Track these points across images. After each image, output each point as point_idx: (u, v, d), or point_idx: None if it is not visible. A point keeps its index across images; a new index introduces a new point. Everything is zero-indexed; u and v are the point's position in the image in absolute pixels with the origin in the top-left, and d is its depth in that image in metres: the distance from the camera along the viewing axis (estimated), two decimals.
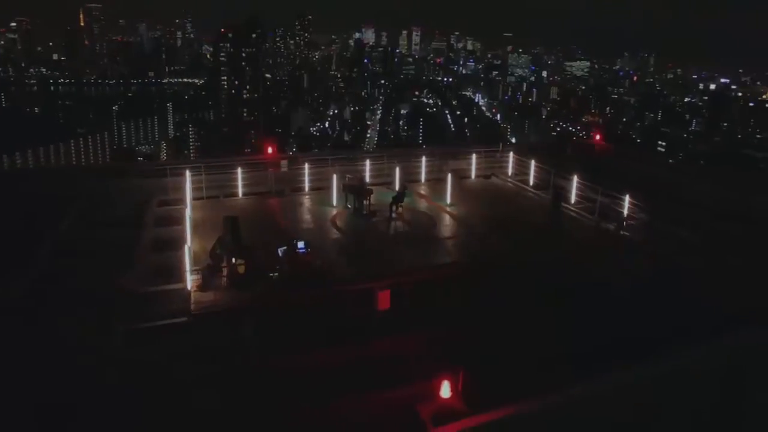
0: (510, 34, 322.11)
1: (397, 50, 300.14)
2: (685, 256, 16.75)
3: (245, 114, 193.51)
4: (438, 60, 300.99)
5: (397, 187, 21.68)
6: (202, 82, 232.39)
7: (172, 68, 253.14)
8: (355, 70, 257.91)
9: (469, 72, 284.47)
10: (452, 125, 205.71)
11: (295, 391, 10.05)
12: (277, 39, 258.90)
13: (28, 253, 15.23)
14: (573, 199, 22.32)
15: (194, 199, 20.65)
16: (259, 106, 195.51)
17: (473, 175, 26.22)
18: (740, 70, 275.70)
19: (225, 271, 14.37)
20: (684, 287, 14.66)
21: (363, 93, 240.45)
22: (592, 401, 10.70)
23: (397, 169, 22.97)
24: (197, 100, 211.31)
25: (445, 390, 9.44)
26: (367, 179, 22.08)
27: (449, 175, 23.05)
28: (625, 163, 28.85)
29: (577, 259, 16.58)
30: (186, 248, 14.19)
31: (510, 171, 26.70)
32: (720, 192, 22.31)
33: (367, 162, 23.39)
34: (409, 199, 21.55)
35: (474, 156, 26.54)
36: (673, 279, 15.21)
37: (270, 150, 25.50)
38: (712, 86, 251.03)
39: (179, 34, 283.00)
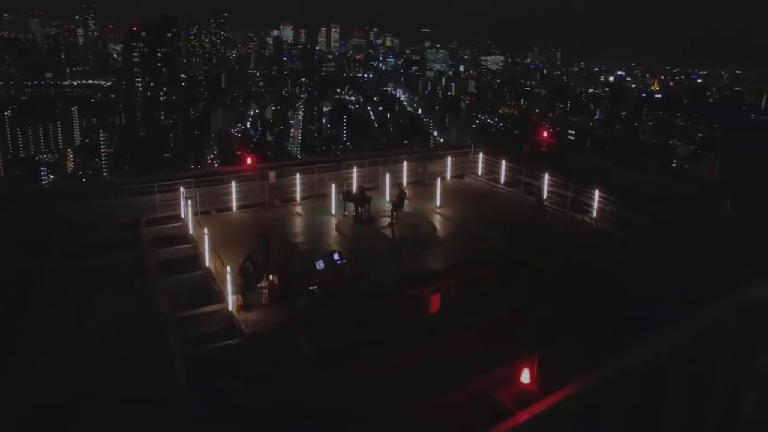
0: (428, 30, 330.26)
1: (317, 48, 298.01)
2: (648, 240, 18.58)
3: (163, 117, 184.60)
4: (358, 57, 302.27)
5: (386, 193, 22.50)
6: (110, 84, 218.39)
7: (74, 69, 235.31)
8: (275, 68, 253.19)
9: (389, 68, 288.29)
10: (375, 122, 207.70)
11: (383, 394, 10.36)
12: (192, 37, 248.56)
13: (34, 293, 14.10)
14: (545, 194, 24.00)
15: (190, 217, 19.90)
16: (179, 108, 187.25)
17: (448, 176, 27.12)
18: (633, 64, 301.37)
19: (263, 289, 13.96)
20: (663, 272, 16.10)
21: (284, 92, 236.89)
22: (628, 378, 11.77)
23: (388, 176, 23.62)
24: (106, 103, 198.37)
25: (525, 376, 10.52)
26: (354, 186, 22.30)
27: (438, 179, 23.99)
28: (572, 156, 31.20)
29: (576, 252, 17.75)
30: (225, 268, 13.77)
31: (480, 171, 27.95)
32: (652, 180, 24.75)
33: (354, 169, 23.57)
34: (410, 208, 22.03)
35: (449, 158, 27.43)
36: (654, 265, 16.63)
37: (249, 161, 24.98)
38: (611, 78, 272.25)
39: (81, 31, 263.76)
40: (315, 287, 13.96)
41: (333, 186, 21.77)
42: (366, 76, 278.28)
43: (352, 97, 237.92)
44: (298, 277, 14.15)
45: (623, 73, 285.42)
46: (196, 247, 17.73)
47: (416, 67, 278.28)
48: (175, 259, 16.95)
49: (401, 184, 23.20)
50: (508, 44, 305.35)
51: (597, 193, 21.39)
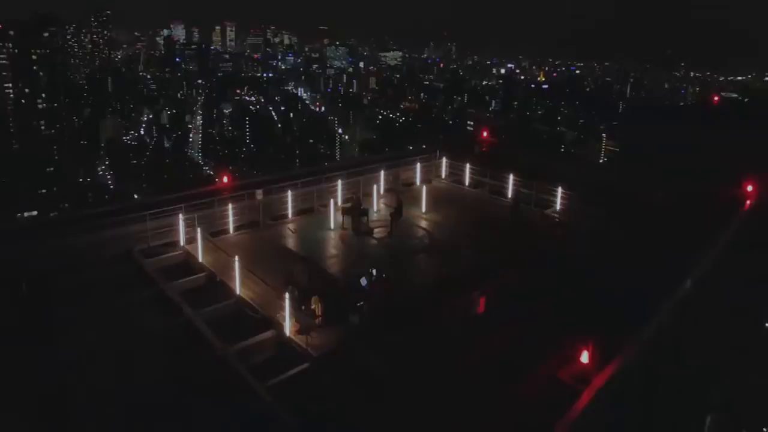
0: (325, 28, 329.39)
1: (212, 47, 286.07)
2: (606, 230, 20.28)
3: (43, 126, 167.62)
4: (256, 56, 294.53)
5: (374, 204, 22.73)
6: None
7: None
8: (167, 70, 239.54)
9: (289, 66, 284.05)
10: (279, 122, 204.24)
11: (468, 386, 11.12)
12: (69, 37, 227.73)
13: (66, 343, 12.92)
14: (510, 194, 25.29)
15: (188, 242, 18.90)
16: (62, 116, 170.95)
17: (418, 182, 27.57)
18: (520, 56, 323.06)
19: (315, 310, 13.96)
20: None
21: (180, 95, 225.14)
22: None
23: (375, 187, 23.79)
24: None
25: (585, 357, 11.90)
26: (350, 199, 22.23)
27: (424, 187, 24.48)
28: (516, 154, 32.80)
29: (562, 248, 19.05)
30: (283, 294, 13.65)
31: (444, 174, 28.76)
32: (587, 173, 26.63)
33: (339, 182, 23.34)
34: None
35: (418, 164, 27.80)
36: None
37: (225, 179, 23.86)
38: (503, 70, 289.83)
39: None
40: (363, 303, 14.14)
41: (332, 201, 21.75)
42: (266, 75, 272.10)
43: (253, 98, 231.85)
44: (345, 295, 14.42)
45: (513, 65, 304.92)
46: (212, 276, 16.98)
47: (317, 65, 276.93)
48: (193, 291, 16.16)
49: (399, 194, 23.47)
50: (406, 40, 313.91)
51: (560, 189, 23.37)
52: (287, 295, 13.53)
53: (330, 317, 13.88)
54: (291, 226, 21.65)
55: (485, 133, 37.41)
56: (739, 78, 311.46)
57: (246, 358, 12.86)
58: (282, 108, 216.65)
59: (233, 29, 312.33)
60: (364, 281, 14.51)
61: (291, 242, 20.43)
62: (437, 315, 14.02)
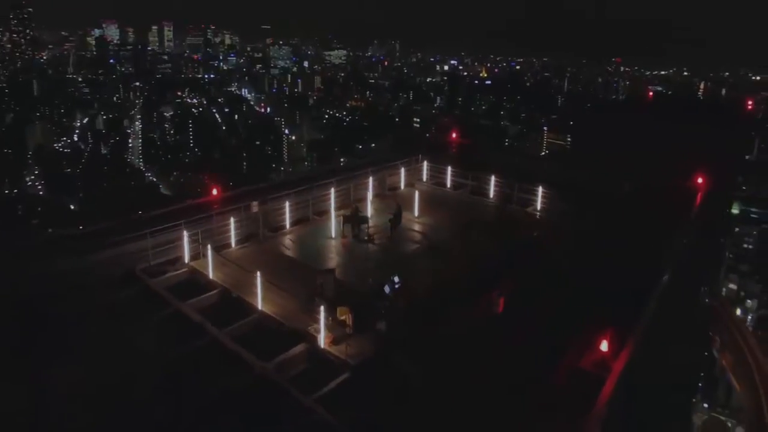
0: (268, 27, 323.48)
1: (149, 48, 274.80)
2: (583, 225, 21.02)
3: None
4: (196, 56, 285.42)
5: (368, 210, 22.72)
6: None
7: None
8: (101, 72, 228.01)
9: (231, 67, 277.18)
10: (223, 125, 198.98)
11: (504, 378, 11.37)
12: None
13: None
14: (492, 193, 25.65)
15: (193, 259, 18.23)
16: None
17: (402, 186, 27.65)
18: (462, 53, 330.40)
19: (345, 320, 13.99)
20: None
21: (116, 98, 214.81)
22: None
23: (369, 197, 23.62)
24: None
25: (604, 345, 12.60)
26: (333, 208, 22.29)
27: (416, 192, 24.60)
28: (487, 153, 33.01)
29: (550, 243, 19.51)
30: (318, 307, 13.48)
31: (425, 177, 28.87)
32: (553, 170, 27.31)
33: (332, 190, 23.10)
34: (384, 220, 22.15)
35: (402, 169, 27.84)
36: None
37: (215, 191, 22.78)
38: (446, 67, 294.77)
39: None
40: (387, 310, 14.38)
41: (332, 210, 21.81)
42: (207, 76, 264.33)
43: (195, 100, 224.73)
44: (370, 304, 14.57)
45: (456, 62, 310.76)
46: (226, 292, 16.58)
47: (260, 65, 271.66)
48: (210, 308, 15.66)
49: (398, 201, 23.64)
50: (349, 38, 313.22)
51: (540, 188, 24.18)
52: (322, 307, 13.70)
53: (359, 326, 14.08)
54: (290, 237, 21.42)
55: (455, 134, 37.98)
56: (663, 72, 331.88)
57: (284, 373, 12.87)
58: (226, 110, 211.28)
59: (171, 29, 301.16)
60: (387, 289, 14.77)
61: (298, 253, 20.16)
62: (462, 316, 14.37)
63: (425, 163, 29.17)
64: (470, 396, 11.24)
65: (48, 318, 13.81)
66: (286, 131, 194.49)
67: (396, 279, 15.07)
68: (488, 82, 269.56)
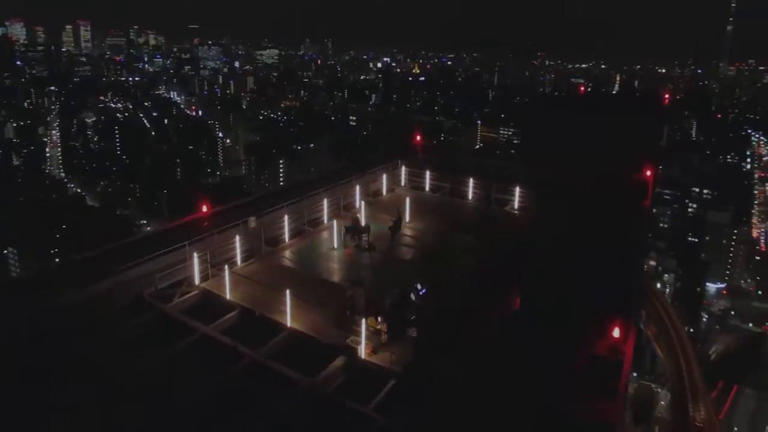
0: (196, 26, 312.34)
1: (63, 49, 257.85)
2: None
3: None
4: (118, 58, 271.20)
5: (362, 219, 22.42)
6: None
7: None
8: (6, 75, 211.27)
9: (157, 69, 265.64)
10: (152, 129, 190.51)
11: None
12: None
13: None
14: (471, 195, 25.96)
15: (203, 280, 17.50)
16: None
17: (384, 192, 27.49)
18: (394, 50, 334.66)
19: (380, 329, 14.18)
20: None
21: (26, 104, 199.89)
22: None
23: (369, 205, 23.43)
24: None
25: (616, 332, 13.18)
26: (326, 218, 22.31)
27: (407, 198, 24.43)
28: (454, 155, 32.80)
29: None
30: (361, 319, 13.59)
31: (403, 182, 28.98)
32: (518, 168, 27.90)
33: (325, 201, 22.93)
34: (377, 226, 21.92)
35: (384, 175, 27.60)
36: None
37: (205, 208, 21.33)
38: (379, 65, 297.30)
39: None
40: (415, 316, 14.70)
41: (335, 221, 21.63)
42: (131, 79, 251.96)
43: (119, 105, 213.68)
44: (399, 313, 14.81)
45: (389, 59, 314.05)
46: (247, 312, 16.06)
47: (189, 67, 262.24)
48: (235, 329, 15.11)
49: (398, 208, 23.54)
50: (281, 37, 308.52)
51: (517, 188, 25.15)
52: (363, 319, 14.02)
53: (393, 334, 14.46)
54: (292, 250, 21.10)
55: (418, 137, 38.76)
56: (584, 66, 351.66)
57: (331, 386, 12.98)
58: (154, 114, 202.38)
59: (88, 29, 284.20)
60: (413, 296, 15.15)
61: (305, 266, 19.88)
62: (489, 315, 14.74)
63: (403, 168, 29.43)
64: (508, 388, 11.61)
65: (64, 361, 12.66)
66: (220, 134, 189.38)
67: (419, 286, 15.40)
68: (422, 78, 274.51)
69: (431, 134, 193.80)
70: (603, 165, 25.72)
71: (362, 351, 13.87)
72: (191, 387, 12.60)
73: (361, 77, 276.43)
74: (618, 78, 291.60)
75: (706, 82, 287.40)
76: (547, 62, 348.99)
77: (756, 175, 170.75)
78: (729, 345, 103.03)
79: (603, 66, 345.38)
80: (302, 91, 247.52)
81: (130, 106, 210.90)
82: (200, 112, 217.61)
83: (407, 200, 24.40)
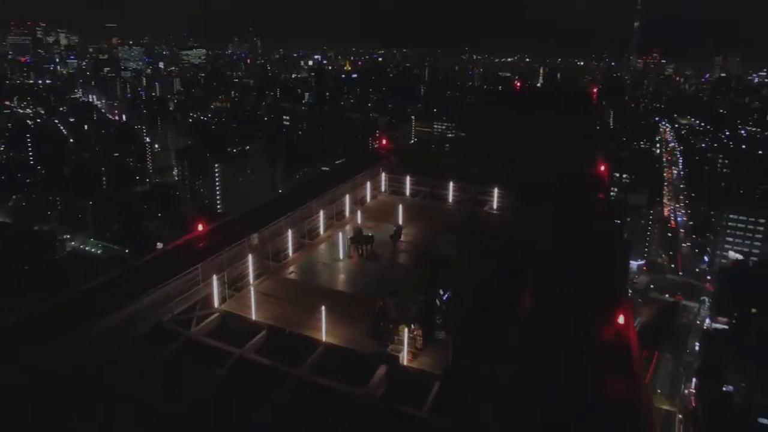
0: (113, 25, 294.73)
1: None
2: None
3: None
4: (23, 59, 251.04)
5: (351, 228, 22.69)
6: None
7: None
8: None
9: (72, 70, 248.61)
10: (70, 137, 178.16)
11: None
12: None
13: None
14: (451, 198, 26.30)
15: (222, 301, 16.97)
16: None
17: (368, 198, 27.37)
18: (325, 47, 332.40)
19: (415, 334, 14.59)
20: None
21: None
22: None
23: (359, 213, 23.61)
24: None
25: (621, 318, 14.17)
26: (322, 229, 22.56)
27: (400, 205, 24.40)
28: (425, 158, 32.39)
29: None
30: (402, 328, 14.07)
31: (384, 187, 28.86)
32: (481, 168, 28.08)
33: (321, 213, 22.85)
34: (375, 235, 21.94)
35: (368, 182, 27.44)
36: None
37: (201, 227, 20.23)
38: (310, 62, 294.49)
39: None
40: (442, 319, 15.35)
41: (340, 233, 21.62)
42: (41, 82, 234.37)
43: (29, 110, 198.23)
44: (428, 318, 15.25)
45: (320, 56, 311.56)
46: (276, 330, 15.75)
47: (108, 68, 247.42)
48: (268, 349, 14.81)
49: (397, 217, 23.70)
50: (207, 36, 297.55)
51: (496, 189, 25.90)
52: (405, 329, 14.38)
53: (427, 339, 14.96)
54: (291, 268, 20.75)
55: (384, 141, 38.39)
56: (509, 59, 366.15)
57: (382, 395, 13.20)
58: (72, 119, 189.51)
59: None
60: (439, 301, 15.69)
61: (317, 279, 19.84)
62: (512, 314, 15.34)
63: (383, 174, 29.39)
64: (534, 377, 12.27)
65: (108, 399, 12.33)
66: (148, 139, 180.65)
67: (442, 291, 15.90)
68: (354, 75, 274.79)
69: (366, 132, 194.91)
70: (558, 162, 26.51)
71: (404, 358, 14.29)
72: (248, 413, 12.57)
73: (293, 76, 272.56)
74: (542, 71, 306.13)
75: (619, 73, 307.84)
76: (475, 57, 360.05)
77: (664, 159, 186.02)
78: (649, 316, 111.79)
79: (527, 59, 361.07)
80: (233, 92, 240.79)
81: (43, 112, 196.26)
82: (124, 117, 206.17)
83: (400, 207, 24.43)
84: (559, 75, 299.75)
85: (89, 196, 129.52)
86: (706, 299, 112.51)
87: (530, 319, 14.52)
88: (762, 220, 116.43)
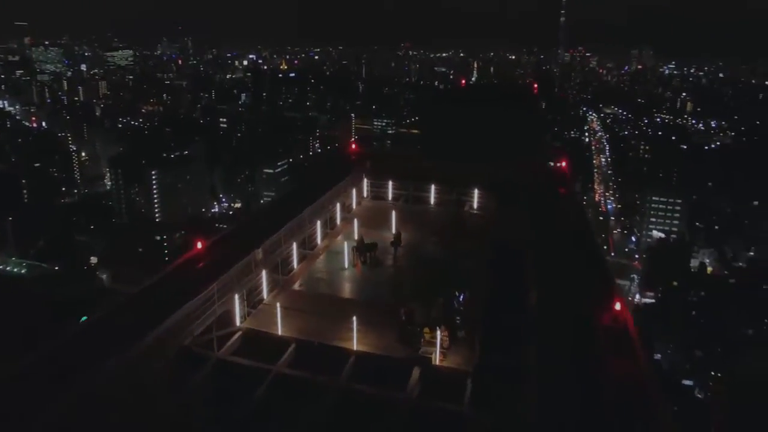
0: (24, 23, 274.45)
1: None
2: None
3: None
4: None
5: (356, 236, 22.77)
6: None
7: None
8: None
9: None
10: None
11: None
12: None
13: None
14: (433, 200, 26.93)
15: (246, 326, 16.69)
16: None
17: (354, 205, 27.50)
18: (259, 46, 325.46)
19: (443, 336, 15.17)
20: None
21: None
22: None
23: (355, 222, 23.53)
24: None
25: (618, 305, 15.14)
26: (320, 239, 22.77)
27: (393, 212, 24.24)
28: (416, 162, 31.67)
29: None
30: (435, 332, 14.72)
31: (366, 193, 28.77)
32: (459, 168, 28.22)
33: (318, 224, 22.87)
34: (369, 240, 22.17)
35: (354, 190, 27.37)
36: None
37: (199, 245, 18.93)
38: (245, 62, 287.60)
39: None
40: (460, 319, 16.28)
41: (345, 243, 21.94)
42: None
43: None
44: (450, 319, 16.03)
45: (254, 56, 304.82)
46: (305, 344, 15.73)
47: (21, 71, 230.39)
48: (302, 362, 14.85)
49: (397, 224, 23.70)
50: (133, 36, 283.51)
51: (476, 190, 26.57)
52: (438, 331, 14.98)
53: (451, 339, 15.70)
54: (304, 276, 20.81)
55: (354, 146, 38.20)
56: (444, 54, 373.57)
57: (418, 396, 13.69)
58: None
59: None
60: (455, 303, 16.59)
61: (328, 289, 20.01)
62: (521, 310, 16.06)
63: (365, 180, 29.30)
64: (559, 368, 12.98)
65: None
66: (74, 147, 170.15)
67: (457, 293, 16.79)
68: (292, 74, 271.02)
69: (306, 131, 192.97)
70: (521, 158, 27.49)
71: (436, 358, 14.96)
72: (293, 428, 12.85)
73: (228, 76, 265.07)
74: (476, 65, 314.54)
75: (548, 66, 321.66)
76: (411, 53, 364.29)
77: (593, 147, 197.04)
78: None
79: (462, 54, 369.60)
80: (165, 94, 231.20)
81: None
82: (44, 124, 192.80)
83: (391, 212, 24.48)
84: (492, 69, 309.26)
85: (7, 210, 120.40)
86: (635, 276, 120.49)
87: (540, 314, 15.13)
88: (679, 201, 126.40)
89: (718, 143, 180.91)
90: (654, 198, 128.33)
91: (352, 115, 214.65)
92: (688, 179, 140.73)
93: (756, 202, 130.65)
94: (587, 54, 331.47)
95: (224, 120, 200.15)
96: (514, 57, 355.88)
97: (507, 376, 13.67)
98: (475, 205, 27.21)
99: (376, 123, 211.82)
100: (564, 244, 19.48)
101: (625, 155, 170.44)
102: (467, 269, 19.22)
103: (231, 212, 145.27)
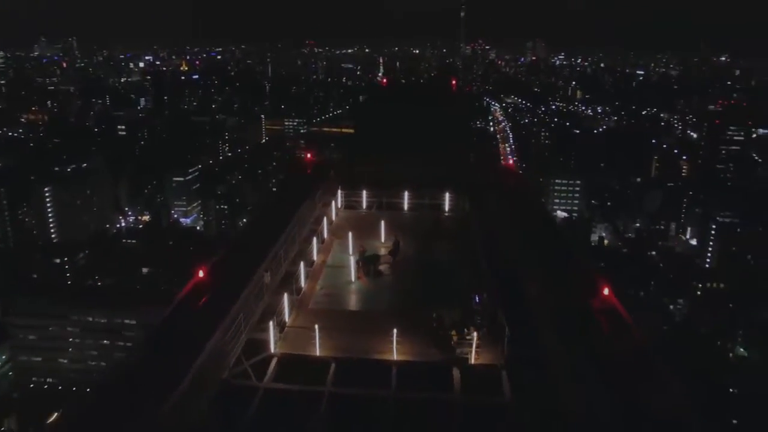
0: None
1: None
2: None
3: None
4: None
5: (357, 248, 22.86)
6: None
7: None
8: None
9: None
10: None
11: None
12: None
13: None
14: (407, 205, 27.43)
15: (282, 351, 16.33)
16: None
17: (334, 217, 27.29)
18: (155, 46, 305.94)
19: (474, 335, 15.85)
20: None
21: None
22: None
23: (351, 233, 23.50)
24: None
25: (606, 291, 15.84)
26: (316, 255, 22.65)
27: (382, 222, 24.16)
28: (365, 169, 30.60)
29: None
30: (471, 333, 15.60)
31: (340, 202, 28.29)
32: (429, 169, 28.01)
33: (314, 240, 22.79)
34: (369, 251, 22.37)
35: (333, 201, 27.17)
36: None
37: (201, 273, 17.62)
38: (141, 64, 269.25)
39: None
40: (480, 319, 16.91)
41: (351, 258, 21.88)
42: None
43: None
44: (474, 320, 16.66)
45: (151, 57, 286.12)
46: (343, 361, 15.74)
47: None
48: (346, 380, 14.91)
49: (396, 234, 23.67)
50: (2, 35, 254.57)
51: (447, 193, 27.05)
52: (474, 332, 15.77)
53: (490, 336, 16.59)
54: (315, 293, 20.49)
55: (309, 155, 38.17)
56: (350, 51, 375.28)
57: (467, 396, 14.28)
58: None
59: None
60: (473, 304, 17.51)
61: (343, 304, 20.04)
62: (535, 307, 16.86)
63: (339, 190, 28.69)
64: (566, 359, 13.86)
65: None
66: None
67: (472, 295, 17.71)
68: (195, 75, 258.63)
69: (214, 135, 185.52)
70: (469, 158, 28.91)
71: (472, 358, 15.79)
72: None
73: (123, 80, 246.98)
74: (381, 60, 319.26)
75: (451, 60, 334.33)
76: (316, 50, 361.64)
77: (498, 136, 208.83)
78: None
79: (367, 50, 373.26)
80: (49, 101, 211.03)
81: None
82: None
83: (382, 224, 24.39)
84: (398, 64, 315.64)
85: None
86: None
87: (547, 305, 16.04)
88: (578, 182, 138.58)
89: (604, 126, 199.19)
90: (557, 181, 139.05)
91: (262, 116, 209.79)
92: (583, 161, 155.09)
93: (638, 179, 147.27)
94: (487, 47, 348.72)
95: (122, 127, 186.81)
96: (417, 51, 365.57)
97: (537, 366, 14.80)
98: (447, 207, 27.86)
99: (287, 123, 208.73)
100: (543, 237, 20.60)
101: (528, 142, 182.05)
102: (467, 270, 20.26)
103: (140, 225, 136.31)
